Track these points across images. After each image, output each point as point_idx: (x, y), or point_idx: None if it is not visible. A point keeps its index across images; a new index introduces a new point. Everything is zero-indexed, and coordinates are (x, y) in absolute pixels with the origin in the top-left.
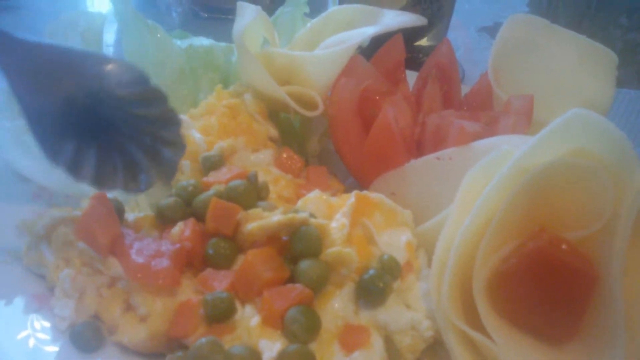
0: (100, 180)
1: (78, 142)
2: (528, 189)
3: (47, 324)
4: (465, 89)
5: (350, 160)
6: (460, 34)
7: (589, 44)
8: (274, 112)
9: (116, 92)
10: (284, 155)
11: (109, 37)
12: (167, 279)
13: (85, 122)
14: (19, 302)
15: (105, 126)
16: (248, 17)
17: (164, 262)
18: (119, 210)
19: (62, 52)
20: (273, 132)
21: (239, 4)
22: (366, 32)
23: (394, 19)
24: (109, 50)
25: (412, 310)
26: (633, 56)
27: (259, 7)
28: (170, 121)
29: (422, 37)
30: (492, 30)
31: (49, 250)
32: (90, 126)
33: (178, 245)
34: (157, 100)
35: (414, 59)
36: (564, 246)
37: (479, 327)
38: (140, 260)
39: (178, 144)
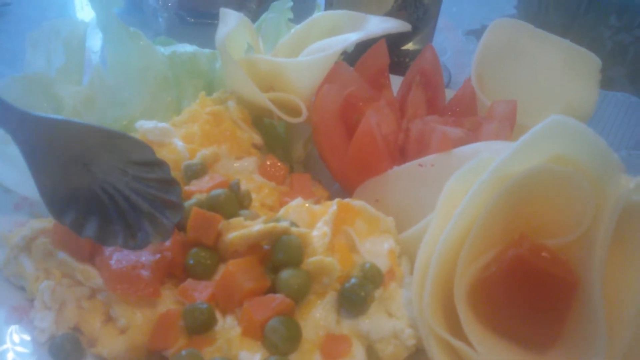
0: (102, 238)
1: (82, 206)
2: (508, 197)
3: (26, 337)
4: (451, 93)
5: (334, 167)
6: (447, 36)
7: (573, 48)
8: (258, 118)
9: (122, 161)
10: (268, 163)
11: (95, 43)
12: (147, 290)
13: (90, 187)
14: None
15: (109, 189)
16: (231, 24)
17: (144, 273)
18: None
19: (72, 127)
20: (257, 139)
21: (222, 10)
22: (350, 38)
23: (379, 25)
24: (95, 57)
25: (395, 318)
26: (623, 56)
27: (242, 14)
28: (171, 187)
29: (408, 41)
30: (479, 33)
31: (29, 261)
32: (95, 188)
33: (158, 256)
34: (160, 169)
35: (400, 63)
36: (544, 253)
37: (461, 335)
38: (119, 271)
39: (177, 207)
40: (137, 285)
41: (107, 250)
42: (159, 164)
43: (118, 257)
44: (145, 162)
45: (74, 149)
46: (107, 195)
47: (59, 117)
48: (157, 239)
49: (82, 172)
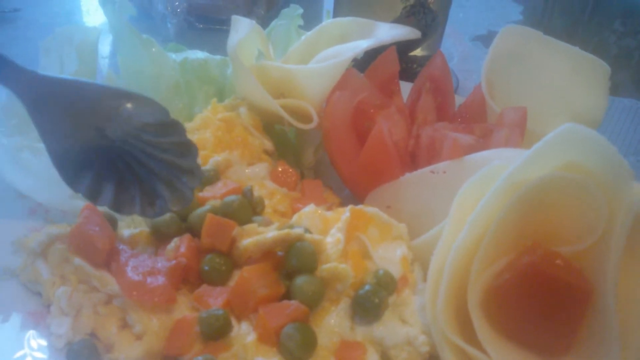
0: (118, 205)
1: (97, 171)
2: (521, 204)
3: (43, 343)
4: (459, 99)
5: (345, 173)
6: (454, 42)
7: (582, 55)
8: (269, 124)
9: (135, 124)
10: (279, 169)
11: (104, 49)
12: (162, 296)
13: (105, 152)
14: (15, 320)
15: (124, 155)
16: (242, 32)
17: (160, 280)
18: (112, 221)
19: (82, 87)
20: (268, 145)
21: (234, 17)
22: (360, 46)
23: (388, 32)
24: (104, 62)
25: (408, 325)
26: (628, 61)
27: (253, 21)
28: (187, 150)
29: (416, 47)
30: (486, 39)
31: (45, 267)
32: (109, 156)
33: (174, 262)
34: (175, 131)
35: (408, 69)
36: (557, 261)
37: (475, 341)
38: (135, 277)
39: (195, 172)
40: (152, 291)
41: (123, 256)
42: (174, 126)
43: (134, 263)
44: (160, 124)
45: (85, 111)
46: (122, 161)
47: (68, 77)
48: (175, 206)
49: (95, 137)
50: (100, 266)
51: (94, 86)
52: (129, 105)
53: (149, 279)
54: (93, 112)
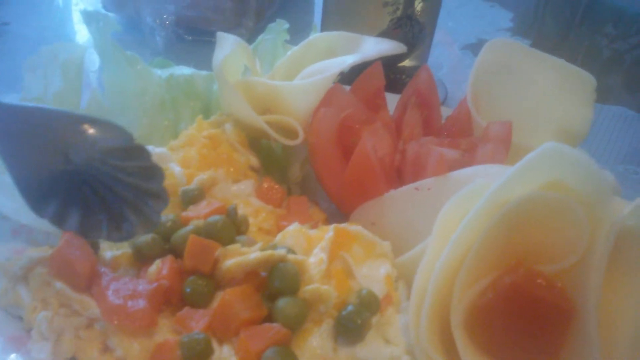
0: (85, 230)
1: (63, 196)
2: (503, 223)
3: None
4: (447, 111)
5: (331, 189)
6: (443, 52)
7: (568, 67)
8: (256, 139)
9: (100, 148)
10: (265, 185)
11: (94, 62)
12: (143, 320)
13: (70, 177)
14: None
15: (90, 180)
16: (227, 48)
17: (141, 303)
18: (94, 244)
19: (46, 114)
20: (254, 161)
21: (219, 34)
22: (346, 61)
23: (374, 47)
24: (92, 76)
25: (392, 345)
26: (619, 65)
27: (238, 38)
28: (153, 174)
29: (404, 59)
30: (476, 48)
31: (26, 291)
32: (76, 180)
33: (155, 285)
34: (140, 155)
35: (397, 80)
36: (539, 280)
37: None
38: (116, 301)
39: (161, 196)
40: (133, 315)
41: (104, 280)
42: (139, 150)
43: (115, 286)
44: (125, 148)
45: (50, 137)
46: (88, 185)
47: (31, 104)
48: (141, 230)
49: (60, 162)
50: (81, 290)
51: (58, 112)
52: (93, 131)
53: (129, 303)
54: (57, 138)
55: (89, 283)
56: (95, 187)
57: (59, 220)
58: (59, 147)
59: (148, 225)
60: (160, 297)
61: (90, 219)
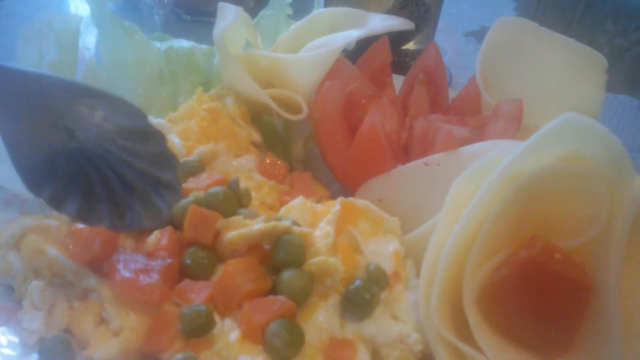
0: (83, 215)
1: (63, 177)
2: (518, 196)
3: (14, 339)
4: (452, 94)
5: (335, 166)
6: (447, 38)
7: (578, 47)
8: (257, 115)
9: (111, 127)
10: (267, 161)
11: (90, 40)
12: (154, 294)
13: (73, 155)
14: None
15: (95, 160)
16: (229, 18)
17: (153, 277)
18: None
19: (51, 82)
20: (256, 136)
21: (220, 4)
22: (351, 35)
23: (381, 23)
24: (88, 53)
25: (400, 322)
26: (619, 61)
27: (240, 8)
28: (167, 162)
29: (408, 40)
30: (479, 35)
31: (18, 260)
32: (79, 160)
33: (169, 261)
34: (155, 140)
35: (400, 63)
36: (557, 255)
37: (470, 340)
38: (128, 275)
39: (174, 187)
40: (144, 289)
41: (116, 255)
42: (154, 135)
43: (127, 259)
44: (138, 131)
45: (54, 108)
46: (92, 167)
47: (32, 69)
48: (149, 223)
49: (63, 137)
50: (85, 262)
51: (66, 82)
52: (104, 106)
53: (141, 277)
54: (63, 110)
55: (99, 258)
56: (100, 169)
57: (56, 201)
58: (64, 121)
59: (156, 218)
60: (174, 273)
61: (91, 204)
